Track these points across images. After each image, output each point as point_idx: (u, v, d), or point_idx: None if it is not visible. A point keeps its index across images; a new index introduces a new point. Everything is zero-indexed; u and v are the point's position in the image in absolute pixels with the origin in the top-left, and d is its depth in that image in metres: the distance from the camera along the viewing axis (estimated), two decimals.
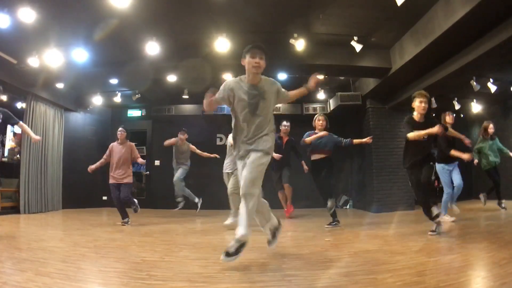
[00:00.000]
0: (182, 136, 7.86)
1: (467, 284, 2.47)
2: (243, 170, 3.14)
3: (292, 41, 5.99)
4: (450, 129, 5.39)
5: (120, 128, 6.45)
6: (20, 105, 8.66)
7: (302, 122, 7.86)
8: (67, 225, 6.25)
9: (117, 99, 9.09)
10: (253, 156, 3.11)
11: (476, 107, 9.33)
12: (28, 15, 4.91)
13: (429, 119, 4.54)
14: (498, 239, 4.07)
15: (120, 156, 6.20)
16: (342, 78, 8.47)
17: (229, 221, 5.59)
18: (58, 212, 8.34)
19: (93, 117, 10.13)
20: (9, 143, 8.97)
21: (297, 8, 5.42)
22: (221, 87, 3.26)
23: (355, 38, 6.03)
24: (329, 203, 5.56)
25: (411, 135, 4.35)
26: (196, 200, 7.83)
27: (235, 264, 3.24)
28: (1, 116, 4.47)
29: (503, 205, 6.88)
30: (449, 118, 5.96)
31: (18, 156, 8.01)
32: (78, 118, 9.73)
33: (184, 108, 9.72)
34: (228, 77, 7.44)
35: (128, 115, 10.59)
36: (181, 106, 9.71)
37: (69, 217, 7.28)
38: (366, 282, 2.62)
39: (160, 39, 5.88)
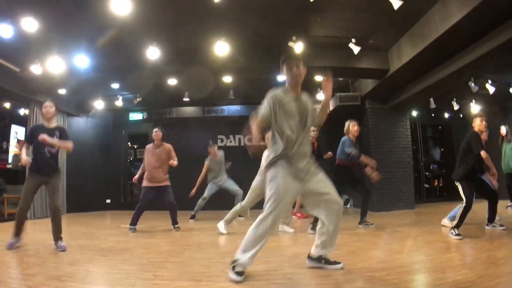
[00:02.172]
0: (212, 149, 7.55)
1: (463, 282, 2.52)
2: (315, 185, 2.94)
3: (290, 44, 6.07)
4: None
5: (155, 129, 6.07)
6: (23, 111, 8.75)
7: None
8: (72, 230, 6.33)
9: (119, 103, 9.14)
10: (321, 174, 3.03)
11: (475, 108, 9.38)
12: (30, 25, 5.00)
13: None
14: (496, 240, 4.14)
15: (156, 159, 5.87)
16: (341, 79, 8.55)
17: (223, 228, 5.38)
18: (62, 216, 8.35)
19: (95, 122, 10.22)
20: (13, 149, 9.01)
21: (295, 11, 5.48)
22: (265, 102, 2.95)
23: (353, 40, 6.10)
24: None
25: (485, 154, 4.46)
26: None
27: None
28: (58, 133, 4.33)
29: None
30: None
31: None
32: (80, 123, 9.82)
33: (185, 111, 9.81)
34: (228, 79, 7.59)
35: (129, 119, 10.68)
36: (182, 109, 9.80)
37: (74, 221, 7.36)
38: (364, 279, 2.72)
39: (160, 44, 5.96)
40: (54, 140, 4.18)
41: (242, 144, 10.18)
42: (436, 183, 11.13)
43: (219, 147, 10.31)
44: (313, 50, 6.49)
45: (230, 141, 10.46)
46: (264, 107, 2.95)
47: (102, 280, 2.92)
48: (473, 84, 7.32)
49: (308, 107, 3.05)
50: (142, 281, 2.80)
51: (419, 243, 4.24)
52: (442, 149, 11.23)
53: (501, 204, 6.70)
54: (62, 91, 8.06)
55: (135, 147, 11.13)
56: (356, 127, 5.74)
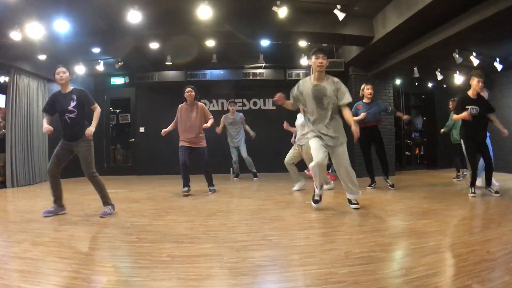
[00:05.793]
0: (231, 108, 8.17)
1: (437, 247, 2.58)
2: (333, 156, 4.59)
3: (275, 8, 5.95)
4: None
5: (188, 88, 5.79)
6: (3, 79, 8.48)
7: (286, 87, 7.93)
8: None
9: (100, 67, 8.93)
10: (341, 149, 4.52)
11: (458, 79, 9.40)
12: None
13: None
14: (474, 209, 4.25)
15: (189, 119, 5.70)
16: (325, 45, 8.48)
17: (296, 187, 6.18)
18: (45, 183, 8.24)
19: (76, 86, 9.97)
20: None
21: None
22: (294, 89, 4.25)
23: (338, 6, 6.01)
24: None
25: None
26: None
27: (219, 225, 3.45)
28: (75, 97, 4.22)
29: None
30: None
31: (3, 130, 7.91)
32: None
33: (167, 75, 9.63)
34: (211, 44, 7.50)
35: (111, 83, 10.45)
36: (164, 73, 9.61)
37: None
38: (341, 241, 2.83)
39: (141, 7, 5.78)
40: (91, 129, 4.19)
41: (225, 108, 10.05)
42: (417, 151, 11.39)
43: None
44: (298, 15, 6.39)
45: (213, 106, 10.39)
46: (292, 92, 4.25)
47: (87, 244, 2.97)
48: (457, 56, 7.35)
49: (327, 90, 4.05)
50: (125, 244, 2.87)
51: (396, 208, 4.38)
52: (424, 118, 11.40)
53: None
54: (42, 57, 7.84)
55: (118, 111, 10.99)
56: (370, 90, 6.08)
